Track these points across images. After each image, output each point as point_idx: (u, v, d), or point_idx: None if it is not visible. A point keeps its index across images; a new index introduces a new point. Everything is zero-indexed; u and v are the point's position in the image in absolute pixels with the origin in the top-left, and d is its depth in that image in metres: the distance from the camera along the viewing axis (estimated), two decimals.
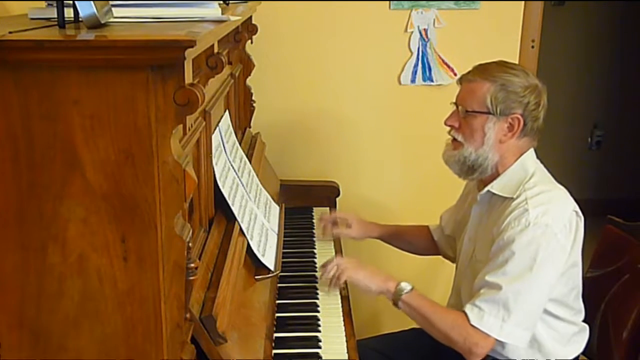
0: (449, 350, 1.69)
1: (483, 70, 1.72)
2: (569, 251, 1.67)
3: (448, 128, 1.78)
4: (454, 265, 2.00)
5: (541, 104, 1.71)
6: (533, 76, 1.74)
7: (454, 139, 1.77)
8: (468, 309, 1.64)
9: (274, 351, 1.55)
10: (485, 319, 1.62)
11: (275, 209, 2.13)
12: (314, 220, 2.36)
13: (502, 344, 1.68)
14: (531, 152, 1.77)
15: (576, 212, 1.70)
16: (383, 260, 2.73)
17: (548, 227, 1.62)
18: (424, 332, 1.73)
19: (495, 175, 1.76)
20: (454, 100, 1.77)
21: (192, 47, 0.96)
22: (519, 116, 1.69)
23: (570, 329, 1.79)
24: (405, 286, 1.72)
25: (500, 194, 1.74)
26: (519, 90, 1.68)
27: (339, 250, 2.16)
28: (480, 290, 1.64)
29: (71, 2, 1.13)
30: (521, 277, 1.60)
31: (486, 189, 1.77)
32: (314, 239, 2.22)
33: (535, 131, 1.74)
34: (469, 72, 1.76)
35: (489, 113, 1.69)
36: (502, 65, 1.73)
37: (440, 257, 2.19)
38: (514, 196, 1.69)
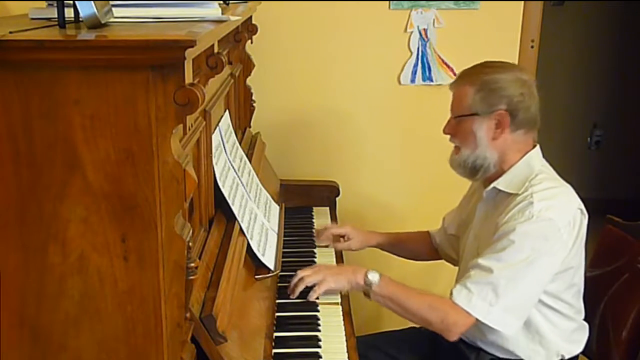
0: (449, 348, 1.69)
1: (464, 75, 1.78)
2: (570, 248, 1.67)
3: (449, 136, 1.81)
4: (456, 266, 2.00)
5: (526, 94, 1.72)
6: (516, 70, 1.77)
7: (455, 145, 1.81)
8: (456, 289, 1.64)
9: (274, 350, 1.55)
10: (473, 301, 1.62)
11: (275, 209, 2.14)
12: (314, 220, 2.36)
13: (501, 336, 1.69)
14: (537, 150, 1.78)
15: (581, 210, 1.71)
16: (385, 261, 2.73)
17: (552, 222, 1.62)
18: (424, 330, 1.73)
19: (500, 173, 1.77)
20: (450, 108, 1.81)
21: (192, 47, 0.96)
22: (503, 112, 1.71)
23: (571, 325, 1.80)
24: (373, 277, 1.69)
25: (506, 190, 1.75)
26: (498, 87, 1.71)
27: (339, 255, 2.14)
28: (471, 271, 1.65)
29: (71, 2, 1.13)
30: (515, 265, 1.61)
31: (492, 185, 1.78)
32: (314, 238, 2.22)
33: (529, 122, 1.74)
34: (454, 80, 1.81)
35: (474, 114, 1.72)
36: (482, 66, 1.77)
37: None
38: (520, 192, 1.70)
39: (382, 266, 2.75)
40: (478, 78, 1.72)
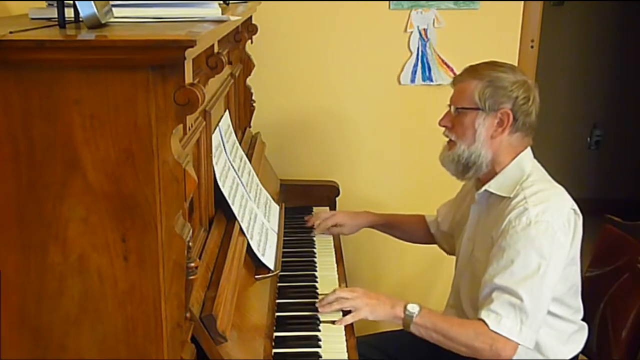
0: (447, 349, 1.68)
1: (472, 70, 1.77)
2: (568, 249, 1.67)
3: (443, 129, 1.80)
4: (453, 264, 2.00)
5: (531, 98, 1.73)
6: (522, 73, 1.77)
7: (449, 140, 1.80)
8: (484, 315, 1.62)
9: (274, 350, 1.55)
10: (503, 322, 1.60)
11: (275, 209, 2.14)
12: None
13: None
14: (528, 152, 1.78)
15: (574, 210, 1.71)
16: (382, 265, 2.73)
17: (549, 225, 1.62)
18: None
19: (492, 175, 1.77)
20: (449, 102, 1.80)
21: (192, 47, 0.97)
22: (508, 111, 1.71)
23: (570, 328, 1.80)
24: (414, 308, 1.65)
25: (498, 193, 1.75)
26: (507, 85, 1.71)
27: (339, 255, 2.15)
28: (492, 294, 1.63)
29: (72, 2, 1.13)
30: (531, 277, 1.60)
31: (483, 188, 1.78)
32: (314, 238, 2.22)
33: (528, 127, 1.75)
34: (459, 74, 1.81)
35: (478, 109, 1.72)
36: (491, 64, 1.77)
37: (439, 256, 2.19)
38: (512, 195, 1.70)
39: (380, 269, 2.77)
40: (488, 74, 1.73)
